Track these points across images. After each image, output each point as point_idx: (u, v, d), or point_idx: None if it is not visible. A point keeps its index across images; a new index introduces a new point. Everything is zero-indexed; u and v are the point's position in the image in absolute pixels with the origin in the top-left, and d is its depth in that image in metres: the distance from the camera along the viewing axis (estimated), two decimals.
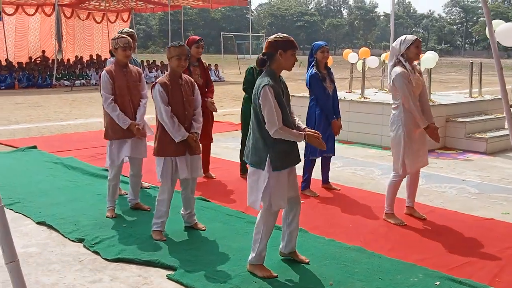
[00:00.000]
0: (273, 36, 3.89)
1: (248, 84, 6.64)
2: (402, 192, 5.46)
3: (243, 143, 6.93)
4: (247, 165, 4.04)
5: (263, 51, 3.88)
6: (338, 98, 6.33)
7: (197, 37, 6.63)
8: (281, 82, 3.90)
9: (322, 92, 6.01)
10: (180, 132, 4.52)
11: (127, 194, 5.73)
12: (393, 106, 5.17)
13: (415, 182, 5.38)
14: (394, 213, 5.25)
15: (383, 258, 4.27)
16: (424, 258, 4.31)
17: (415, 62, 5.23)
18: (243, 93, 6.85)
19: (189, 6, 34.76)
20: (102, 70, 5.23)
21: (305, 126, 3.98)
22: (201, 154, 4.84)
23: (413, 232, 4.97)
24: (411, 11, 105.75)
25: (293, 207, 4.08)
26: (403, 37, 5.11)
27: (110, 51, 5.41)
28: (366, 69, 10.66)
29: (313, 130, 3.91)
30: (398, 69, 4.97)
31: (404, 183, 5.37)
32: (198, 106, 4.79)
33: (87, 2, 27.47)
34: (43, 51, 26.12)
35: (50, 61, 24.48)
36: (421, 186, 5.60)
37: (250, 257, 3.99)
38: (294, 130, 3.82)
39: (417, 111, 4.96)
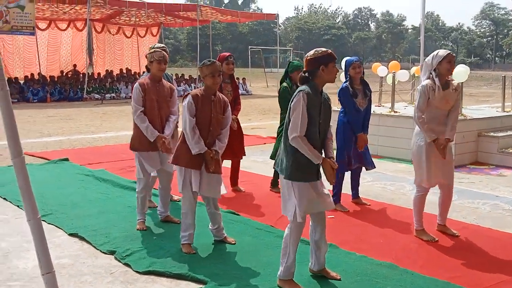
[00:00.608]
0: (312, 52, 3.87)
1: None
2: (434, 208, 5.38)
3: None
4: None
5: (304, 68, 3.88)
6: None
7: (227, 54, 6.66)
8: (322, 96, 3.87)
9: (351, 106, 5.99)
10: (199, 145, 4.51)
11: (157, 207, 5.77)
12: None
13: (447, 198, 5.27)
14: (425, 229, 5.17)
15: (415, 275, 4.20)
16: (457, 276, 4.22)
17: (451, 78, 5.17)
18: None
19: (217, 21, 35.13)
20: (135, 82, 5.28)
21: (332, 156, 3.92)
22: (227, 170, 4.82)
23: (446, 249, 4.88)
24: (440, 24, 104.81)
25: (318, 223, 4.01)
26: (435, 52, 5.08)
27: (146, 67, 5.41)
28: (396, 82, 10.58)
29: (333, 162, 3.85)
30: (425, 81, 4.97)
31: (436, 199, 5.30)
32: (226, 125, 4.78)
33: (117, 17, 27.99)
34: (75, 65, 26.67)
35: (81, 75, 24.96)
36: (453, 202, 5.50)
37: (279, 272, 3.96)
38: (313, 149, 3.77)
39: (422, 125, 4.95)
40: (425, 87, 4.94)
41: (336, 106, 6.82)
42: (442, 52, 5.03)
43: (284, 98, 6.34)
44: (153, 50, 5.29)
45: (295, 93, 3.79)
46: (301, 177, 3.81)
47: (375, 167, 6.39)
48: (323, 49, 3.89)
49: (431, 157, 4.99)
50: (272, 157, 6.85)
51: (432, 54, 5.08)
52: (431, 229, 5.22)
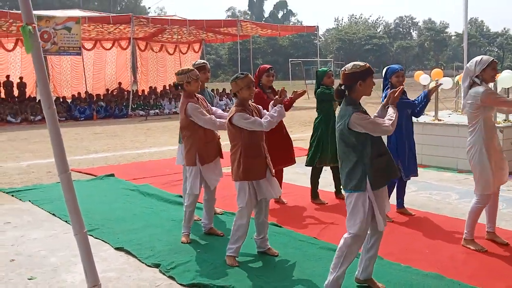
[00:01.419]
0: (350, 67, 3.83)
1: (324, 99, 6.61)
2: (481, 217, 5.24)
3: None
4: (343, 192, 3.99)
5: (340, 82, 3.88)
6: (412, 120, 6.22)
7: (267, 66, 6.70)
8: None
9: (402, 104, 5.86)
10: (277, 111, 4.74)
11: (200, 220, 5.83)
12: (470, 129, 5.01)
13: (495, 205, 5.16)
14: (474, 238, 5.05)
15: (463, 286, 4.09)
16: (508, 286, 4.09)
17: (491, 84, 5.07)
18: (312, 118, 6.83)
19: (257, 35, 35.40)
20: (187, 103, 5.20)
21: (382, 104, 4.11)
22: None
23: (495, 258, 4.74)
24: (484, 29, 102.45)
25: (376, 231, 3.98)
26: (478, 58, 4.97)
27: (175, 85, 5.35)
28: (439, 90, 10.39)
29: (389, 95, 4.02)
30: (481, 88, 4.83)
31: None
32: None
33: (160, 35, 28.59)
34: (120, 83, 27.34)
35: (126, 92, 25.56)
36: (502, 211, 5.36)
37: (326, 282, 3.91)
38: (387, 116, 3.91)
39: None
40: (489, 90, 4.88)
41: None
42: (486, 58, 4.93)
43: (324, 95, 6.59)
44: (187, 70, 5.31)
45: (346, 117, 3.74)
46: (388, 178, 3.91)
47: (416, 175, 6.30)
48: (361, 63, 3.85)
49: (491, 162, 4.89)
50: (308, 164, 6.82)
51: (474, 60, 4.96)
52: (479, 239, 5.08)
